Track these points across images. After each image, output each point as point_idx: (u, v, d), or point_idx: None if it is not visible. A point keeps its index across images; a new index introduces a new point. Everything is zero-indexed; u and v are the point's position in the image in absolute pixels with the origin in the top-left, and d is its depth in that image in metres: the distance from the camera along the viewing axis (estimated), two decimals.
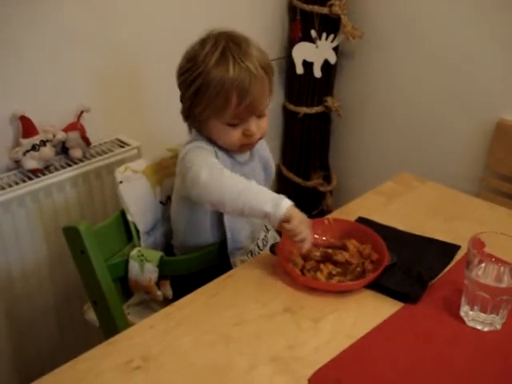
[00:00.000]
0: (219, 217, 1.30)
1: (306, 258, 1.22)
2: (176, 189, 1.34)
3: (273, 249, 1.23)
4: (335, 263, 1.21)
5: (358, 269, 1.19)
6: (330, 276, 1.18)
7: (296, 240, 1.14)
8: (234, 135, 1.25)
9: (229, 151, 1.30)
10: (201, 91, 1.22)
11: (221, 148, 1.29)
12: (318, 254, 1.22)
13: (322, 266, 1.20)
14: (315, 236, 1.25)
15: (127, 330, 1.06)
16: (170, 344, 1.01)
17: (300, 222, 1.13)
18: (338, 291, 1.14)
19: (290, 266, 1.18)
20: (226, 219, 1.28)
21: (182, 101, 1.28)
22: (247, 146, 1.29)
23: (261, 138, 1.31)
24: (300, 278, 1.16)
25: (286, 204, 1.13)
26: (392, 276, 1.16)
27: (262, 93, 1.23)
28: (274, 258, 1.22)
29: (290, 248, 1.21)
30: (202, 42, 1.23)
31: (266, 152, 1.41)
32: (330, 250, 1.23)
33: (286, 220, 1.12)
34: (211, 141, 1.29)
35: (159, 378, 0.95)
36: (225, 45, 1.21)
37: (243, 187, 1.15)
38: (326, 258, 1.22)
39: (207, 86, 1.20)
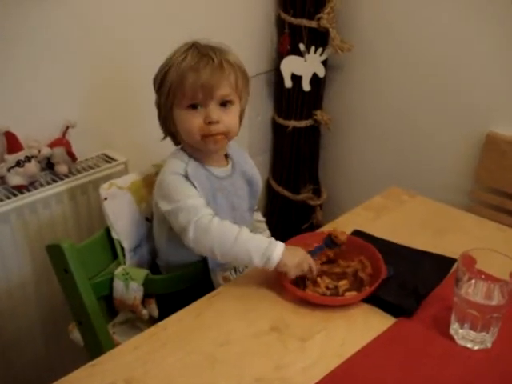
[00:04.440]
0: None
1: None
2: (154, 211, 1.33)
3: None
4: (331, 276, 1.21)
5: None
6: (328, 290, 1.18)
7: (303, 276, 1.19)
8: (195, 122, 1.24)
9: (204, 162, 1.29)
10: (164, 81, 1.25)
11: (197, 159, 1.28)
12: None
13: (318, 279, 1.19)
14: None
15: (110, 352, 1.04)
16: (154, 366, 0.99)
17: (296, 267, 1.16)
18: (338, 305, 1.13)
19: (288, 282, 1.17)
20: None
21: (157, 106, 1.31)
22: (209, 138, 1.25)
23: (228, 136, 1.27)
24: (299, 293, 1.15)
25: (276, 257, 1.14)
26: (388, 289, 1.15)
27: (220, 79, 1.23)
28: (261, 276, 1.20)
29: None
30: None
31: (250, 168, 1.40)
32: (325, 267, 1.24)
33: (283, 273, 1.16)
34: (185, 149, 1.29)
35: None
36: (195, 43, 1.26)
37: (233, 241, 1.16)
38: (322, 272, 1.22)
39: (169, 73, 1.24)
